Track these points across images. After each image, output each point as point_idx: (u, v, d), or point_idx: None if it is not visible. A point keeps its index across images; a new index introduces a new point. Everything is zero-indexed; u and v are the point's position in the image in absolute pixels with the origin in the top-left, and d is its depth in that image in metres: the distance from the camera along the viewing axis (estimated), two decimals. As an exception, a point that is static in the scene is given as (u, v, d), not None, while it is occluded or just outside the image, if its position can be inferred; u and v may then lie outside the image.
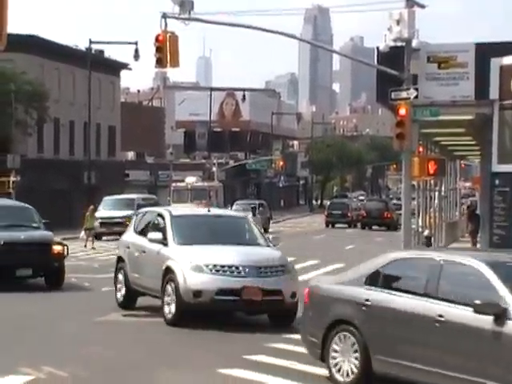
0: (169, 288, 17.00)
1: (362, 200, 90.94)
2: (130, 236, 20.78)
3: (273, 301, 16.98)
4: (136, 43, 49.54)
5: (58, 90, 65.42)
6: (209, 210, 21.72)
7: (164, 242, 18.17)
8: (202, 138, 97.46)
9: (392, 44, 27.18)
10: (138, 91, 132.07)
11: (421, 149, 32.19)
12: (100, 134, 73.28)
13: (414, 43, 26.69)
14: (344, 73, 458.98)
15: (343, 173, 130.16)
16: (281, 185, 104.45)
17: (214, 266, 16.81)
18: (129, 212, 41.69)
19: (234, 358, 13.43)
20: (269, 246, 19.05)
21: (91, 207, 45.35)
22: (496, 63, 25.38)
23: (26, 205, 27.30)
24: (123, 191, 60.28)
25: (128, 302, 19.45)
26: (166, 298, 17.05)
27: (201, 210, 24.44)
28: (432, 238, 34.94)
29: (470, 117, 28.30)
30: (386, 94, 26.58)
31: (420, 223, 33.76)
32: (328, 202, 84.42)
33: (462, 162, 59.09)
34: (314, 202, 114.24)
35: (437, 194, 43.77)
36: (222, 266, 16.90)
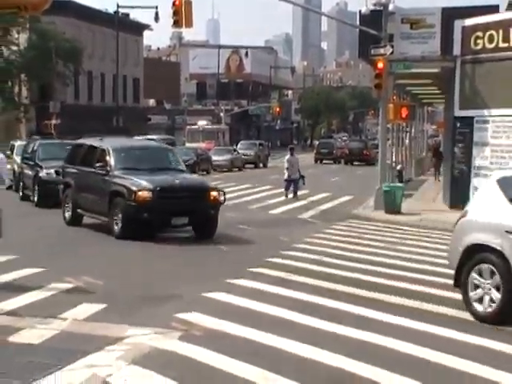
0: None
1: (345, 140, 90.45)
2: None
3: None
4: (156, 7, 48.94)
5: (90, 47, 64.98)
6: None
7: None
8: (212, 88, 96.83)
9: (372, 8, 26.96)
10: (158, 48, 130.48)
11: (395, 97, 32.03)
12: (126, 84, 73.03)
13: (391, 7, 26.43)
14: (331, 33, 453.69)
15: (329, 117, 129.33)
16: (277, 127, 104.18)
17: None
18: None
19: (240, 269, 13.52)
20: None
21: None
22: (459, 24, 25.11)
23: (167, 146, 24.23)
24: (146, 132, 59.98)
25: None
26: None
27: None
28: (403, 172, 34.92)
29: (436, 70, 28.07)
30: (366, 51, 26.38)
31: (393, 159, 33.69)
32: (317, 142, 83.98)
33: (428, 108, 58.72)
34: (305, 142, 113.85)
35: (407, 134, 43.68)
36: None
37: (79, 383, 7.31)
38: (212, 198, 17.84)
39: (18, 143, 33.74)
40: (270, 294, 11.55)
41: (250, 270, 13.54)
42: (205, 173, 43.01)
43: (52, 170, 24.07)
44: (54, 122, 51.27)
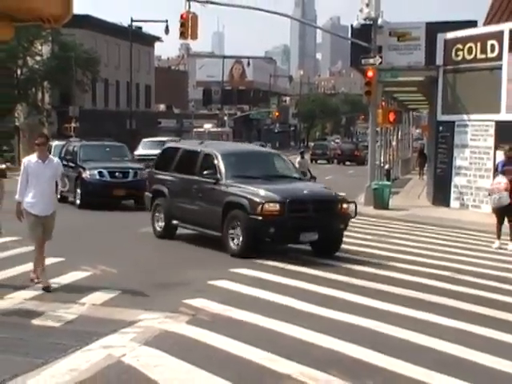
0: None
1: (338, 142, 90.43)
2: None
3: None
4: (166, 21, 48.81)
5: (106, 57, 64.80)
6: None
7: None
8: (216, 94, 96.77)
9: (362, 22, 26.91)
10: (168, 58, 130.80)
11: (383, 103, 32.02)
12: (139, 91, 72.91)
13: (379, 22, 26.42)
14: (325, 44, 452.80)
15: (323, 121, 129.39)
16: (276, 130, 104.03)
17: None
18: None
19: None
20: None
21: None
22: (441, 37, 25.14)
23: (276, 151, 20.69)
24: (156, 135, 59.81)
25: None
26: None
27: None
28: (391, 171, 34.91)
29: (420, 78, 28.08)
30: (357, 61, 26.41)
31: (382, 159, 33.67)
32: (312, 144, 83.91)
33: (414, 113, 58.68)
34: (302, 143, 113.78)
35: (395, 137, 43.65)
36: None
37: (96, 362, 7.30)
38: (342, 210, 14.60)
39: (54, 143, 30.13)
40: (270, 282, 11.52)
41: (251, 260, 13.52)
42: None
43: (95, 171, 22.93)
44: (73, 125, 51.24)
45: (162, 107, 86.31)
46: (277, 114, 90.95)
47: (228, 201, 14.21)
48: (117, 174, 23.01)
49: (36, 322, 8.88)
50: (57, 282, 11.04)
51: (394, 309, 9.93)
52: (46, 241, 10.88)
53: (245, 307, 9.66)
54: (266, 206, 13.57)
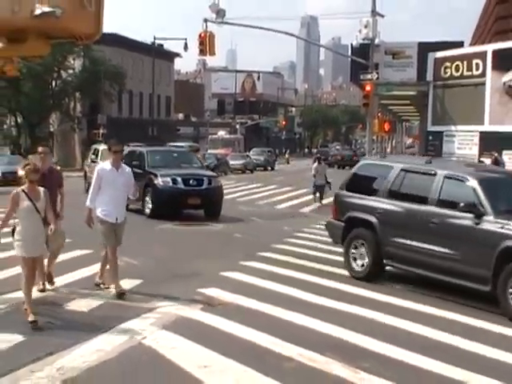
0: None
1: (338, 149, 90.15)
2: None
3: None
4: (185, 39, 48.96)
5: (131, 71, 64.87)
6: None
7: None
8: (229, 104, 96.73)
9: (361, 42, 27.01)
10: (186, 72, 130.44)
11: (379, 114, 32.02)
12: (160, 101, 73.01)
13: (376, 41, 26.49)
14: (327, 61, 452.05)
15: (325, 130, 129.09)
16: (283, 137, 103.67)
17: None
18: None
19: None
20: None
21: None
22: (431, 56, 25.13)
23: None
24: (175, 140, 59.91)
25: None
26: None
27: None
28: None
29: (413, 92, 28.10)
30: (356, 76, 26.50)
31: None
32: (315, 150, 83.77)
33: (406, 123, 58.62)
34: (305, 149, 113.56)
35: (389, 145, 43.62)
36: None
37: (119, 344, 7.36)
38: None
39: (102, 147, 26.65)
40: (276, 274, 11.49)
41: (260, 253, 13.52)
42: (223, 174, 42.93)
43: (169, 178, 18.99)
44: (101, 131, 51.29)
45: (180, 116, 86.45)
46: (284, 122, 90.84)
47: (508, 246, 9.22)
48: (191, 181, 19.07)
49: (68, 307, 8.95)
50: (87, 271, 11.10)
51: (391, 300, 9.93)
52: (118, 246, 9.99)
53: (253, 296, 9.67)
54: None
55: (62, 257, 11.50)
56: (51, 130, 59.94)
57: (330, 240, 12.97)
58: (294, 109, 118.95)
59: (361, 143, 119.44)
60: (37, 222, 8.16)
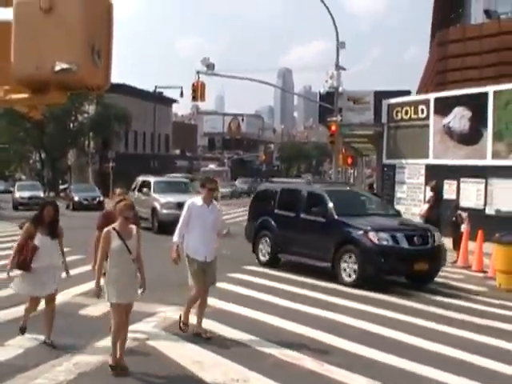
0: None
1: (309, 179, 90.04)
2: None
3: None
4: (181, 88, 49.22)
5: (136, 114, 64.84)
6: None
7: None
8: (218, 142, 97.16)
9: (328, 90, 27.25)
10: (182, 115, 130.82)
11: (343, 150, 32.26)
12: (160, 139, 72.92)
13: (340, 90, 26.75)
14: (300, 106, 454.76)
15: (299, 163, 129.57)
16: (263, 169, 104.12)
17: None
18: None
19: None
20: None
21: None
22: (385, 102, 25.37)
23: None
24: (173, 172, 59.78)
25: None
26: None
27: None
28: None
29: (370, 132, 28.27)
30: (324, 118, 26.69)
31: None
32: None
33: (366, 157, 59.02)
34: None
35: (352, 175, 43.83)
36: None
37: (127, 343, 7.25)
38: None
39: (153, 180, 23.45)
40: (260, 285, 11.45)
41: (244, 267, 13.48)
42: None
43: (386, 235, 11.22)
44: (111, 165, 51.14)
45: (177, 151, 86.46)
46: (264, 157, 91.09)
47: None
48: (415, 238, 11.31)
49: (82, 312, 8.86)
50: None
51: (357, 306, 9.93)
52: (210, 286, 8.05)
53: (239, 303, 9.64)
54: None
55: (81, 269, 11.39)
56: (69, 163, 59.71)
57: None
58: (272, 145, 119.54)
59: (328, 174, 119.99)
60: (128, 262, 6.35)
